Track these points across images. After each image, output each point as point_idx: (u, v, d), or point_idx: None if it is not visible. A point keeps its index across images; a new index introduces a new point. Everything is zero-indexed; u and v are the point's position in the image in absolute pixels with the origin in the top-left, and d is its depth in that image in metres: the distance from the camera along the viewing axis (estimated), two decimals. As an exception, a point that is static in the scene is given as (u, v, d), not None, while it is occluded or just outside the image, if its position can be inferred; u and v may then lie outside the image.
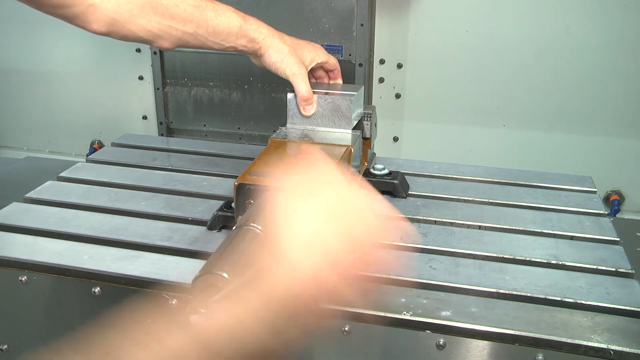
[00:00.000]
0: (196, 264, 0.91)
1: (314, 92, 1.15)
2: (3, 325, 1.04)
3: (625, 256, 1.02)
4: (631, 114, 1.81)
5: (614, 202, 1.88)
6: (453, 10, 1.82)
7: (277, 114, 1.92)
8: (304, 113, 1.15)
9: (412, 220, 1.14)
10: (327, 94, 1.15)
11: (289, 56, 1.11)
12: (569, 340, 0.82)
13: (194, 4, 1.04)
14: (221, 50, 1.10)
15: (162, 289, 0.94)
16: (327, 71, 1.25)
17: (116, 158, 1.43)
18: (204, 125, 2.04)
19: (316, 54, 1.18)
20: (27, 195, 1.22)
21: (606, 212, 1.19)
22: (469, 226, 1.12)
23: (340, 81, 1.26)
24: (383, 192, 1.23)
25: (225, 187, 1.26)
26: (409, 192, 1.24)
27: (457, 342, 0.86)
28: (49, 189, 1.26)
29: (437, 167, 1.37)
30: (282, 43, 1.12)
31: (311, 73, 1.20)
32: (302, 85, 1.13)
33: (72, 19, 0.96)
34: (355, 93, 1.16)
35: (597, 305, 0.89)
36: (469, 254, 1.03)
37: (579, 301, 0.90)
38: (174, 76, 2.02)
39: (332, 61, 1.22)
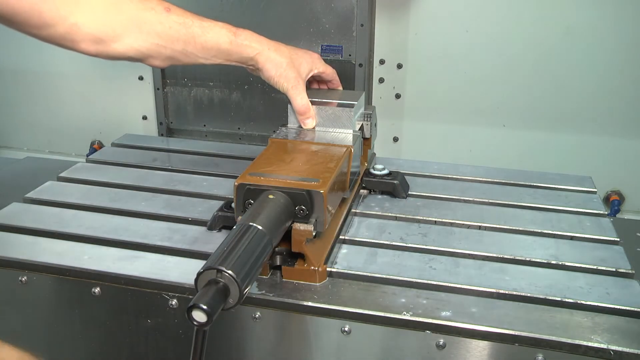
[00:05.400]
0: (196, 264, 0.91)
1: (313, 102, 1.14)
2: (3, 325, 1.04)
3: (625, 256, 1.02)
4: (631, 114, 1.81)
5: (614, 202, 1.88)
6: (453, 11, 1.82)
7: (277, 114, 1.92)
8: (303, 127, 1.15)
9: (412, 220, 1.14)
10: (327, 104, 1.15)
11: (286, 69, 1.10)
12: (569, 341, 0.83)
13: (180, 21, 1.02)
14: (216, 64, 1.09)
15: (162, 289, 0.94)
16: (325, 82, 1.25)
17: (116, 158, 1.43)
18: (204, 125, 2.04)
19: (313, 65, 1.17)
20: (27, 195, 1.22)
21: (606, 212, 1.19)
22: (469, 226, 1.12)
23: (340, 89, 1.26)
24: (383, 192, 1.23)
25: (225, 187, 1.26)
26: (409, 192, 1.24)
27: (457, 342, 0.86)
28: (49, 189, 1.26)
29: (437, 167, 1.37)
30: (279, 55, 1.10)
31: (308, 83, 1.19)
32: (298, 99, 1.12)
33: (59, 41, 0.95)
34: (356, 102, 1.16)
35: (597, 306, 0.89)
36: (469, 254, 1.03)
37: (579, 301, 0.90)
38: (174, 76, 2.02)
39: (328, 71, 1.21)
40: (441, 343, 0.86)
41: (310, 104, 1.13)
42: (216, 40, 1.05)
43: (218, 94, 1.99)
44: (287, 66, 1.10)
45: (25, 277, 0.99)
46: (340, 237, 1.06)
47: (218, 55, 1.06)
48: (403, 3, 1.84)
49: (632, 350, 0.81)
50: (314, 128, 1.15)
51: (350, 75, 1.83)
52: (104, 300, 0.97)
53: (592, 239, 1.08)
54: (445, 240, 1.06)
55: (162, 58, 1.03)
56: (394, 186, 1.21)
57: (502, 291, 0.92)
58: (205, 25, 1.04)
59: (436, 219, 1.14)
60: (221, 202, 1.11)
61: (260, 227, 0.83)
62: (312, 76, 1.19)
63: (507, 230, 1.11)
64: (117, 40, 0.97)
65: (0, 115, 2.31)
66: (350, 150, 1.08)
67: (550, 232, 1.10)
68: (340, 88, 1.25)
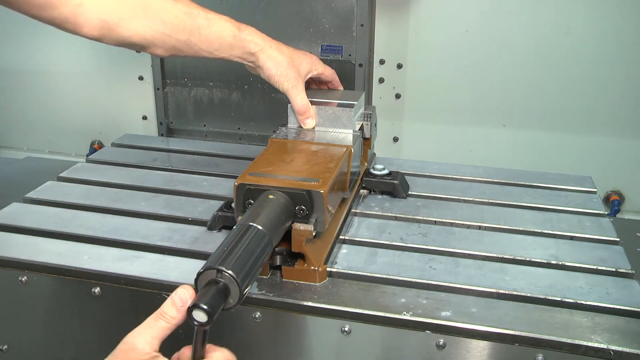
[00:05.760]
0: (196, 264, 0.91)
1: (313, 102, 1.14)
2: (3, 325, 1.05)
3: (625, 256, 1.02)
4: (631, 114, 1.81)
5: (614, 202, 1.88)
6: (453, 10, 1.82)
7: (277, 114, 1.92)
8: (303, 126, 1.15)
9: (412, 220, 1.14)
10: (327, 104, 1.15)
11: (286, 69, 1.10)
12: (569, 341, 0.83)
13: (186, 10, 1.02)
14: (217, 59, 1.08)
15: (162, 289, 0.94)
16: (324, 82, 1.24)
17: (116, 158, 1.43)
18: (204, 125, 2.04)
19: (312, 65, 1.17)
20: (27, 195, 1.23)
21: (606, 212, 1.19)
22: (469, 226, 1.12)
23: (340, 88, 1.25)
24: (383, 192, 1.23)
25: (225, 187, 1.26)
26: (409, 193, 1.24)
27: (457, 342, 0.86)
28: (49, 189, 1.26)
29: (437, 168, 1.37)
30: (280, 54, 1.10)
31: (307, 84, 1.18)
32: (298, 99, 1.12)
33: (62, 23, 0.94)
34: (356, 102, 1.16)
35: (597, 306, 0.89)
36: (469, 254, 1.03)
37: (579, 301, 0.90)
38: (174, 76, 2.02)
39: (328, 72, 1.21)
40: (441, 343, 0.86)
41: (309, 103, 1.13)
42: (220, 33, 1.05)
43: (218, 94, 1.99)
44: (287, 65, 1.10)
45: (25, 277, 0.99)
46: (340, 237, 1.06)
47: (221, 49, 1.06)
48: (403, 3, 1.84)
49: (632, 350, 0.81)
50: (313, 128, 1.15)
51: (350, 75, 1.83)
52: (104, 300, 0.97)
53: (592, 239, 1.08)
54: (445, 240, 1.06)
55: (165, 47, 1.02)
56: (394, 186, 1.21)
57: (502, 291, 0.92)
58: (211, 17, 1.04)
59: (436, 219, 1.14)
60: (221, 202, 1.11)
61: (260, 227, 0.83)
62: (312, 77, 1.19)
63: (507, 230, 1.11)
64: (122, 25, 0.96)
65: (0, 115, 2.31)
66: (350, 150, 1.08)
67: (550, 232, 1.10)
68: (341, 88, 1.26)
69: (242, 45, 1.07)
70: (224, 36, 1.05)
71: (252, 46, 1.07)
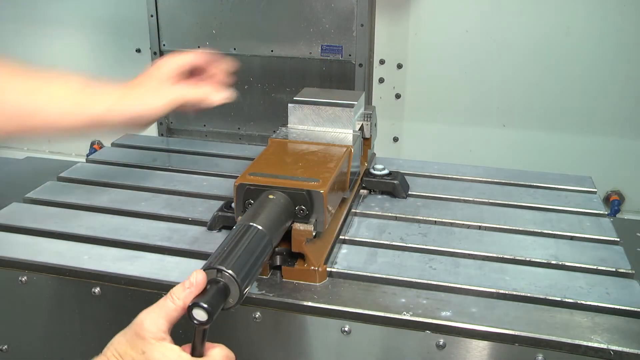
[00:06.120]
0: (196, 264, 0.91)
1: (314, 102, 1.14)
2: (3, 325, 1.04)
3: (625, 256, 1.02)
4: (631, 114, 1.81)
5: (614, 202, 1.88)
6: (453, 10, 1.82)
7: (277, 114, 1.92)
8: (221, 102, 1.01)
9: (412, 220, 1.14)
10: (327, 104, 1.15)
11: (159, 89, 0.98)
12: (569, 341, 0.82)
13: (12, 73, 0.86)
14: (69, 134, 0.91)
15: (162, 289, 0.94)
16: (205, 70, 1.06)
17: (116, 158, 1.43)
18: (204, 125, 2.04)
19: (174, 61, 1.02)
20: (27, 195, 1.22)
21: (606, 212, 1.19)
22: (469, 226, 1.12)
23: (218, 71, 1.07)
24: (383, 192, 1.23)
25: (225, 187, 1.26)
26: (409, 193, 1.24)
27: (457, 342, 0.86)
28: (49, 189, 1.26)
29: (437, 168, 1.36)
30: (142, 87, 0.98)
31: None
32: (190, 94, 0.99)
33: None
34: (356, 102, 1.16)
35: (597, 306, 0.89)
36: (469, 254, 1.03)
37: (579, 301, 0.90)
38: (174, 76, 2.02)
39: (199, 56, 1.05)
40: (441, 343, 0.86)
41: (204, 86, 1.01)
42: (73, 93, 0.91)
43: (218, 94, 1.99)
44: (156, 87, 0.98)
45: (25, 277, 0.99)
46: (340, 237, 1.06)
47: (78, 112, 0.90)
48: (403, 3, 1.84)
49: (632, 350, 0.81)
50: (313, 129, 1.14)
51: (350, 75, 1.83)
52: (104, 300, 0.97)
53: (592, 239, 1.08)
54: (445, 240, 1.06)
55: None
56: (394, 186, 1.21)
57: (502, 291, 0.92)
58: (55, 76, 0.90)
59: (436, 219, 1.13)
60: (221, 202, 1.11)
61: (260, 227, 0.83)
62: (195, 70, 1.05)
63: (507, 230, 1.11)
64: None
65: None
66: (350, 150, 1.08)
67: (550, 232, 1.10)
68: (225, 67, 1.09)
69: (95, 98, 0.91)
70: (68, 93, 0.89)
71: (108, 91, 0.94)
